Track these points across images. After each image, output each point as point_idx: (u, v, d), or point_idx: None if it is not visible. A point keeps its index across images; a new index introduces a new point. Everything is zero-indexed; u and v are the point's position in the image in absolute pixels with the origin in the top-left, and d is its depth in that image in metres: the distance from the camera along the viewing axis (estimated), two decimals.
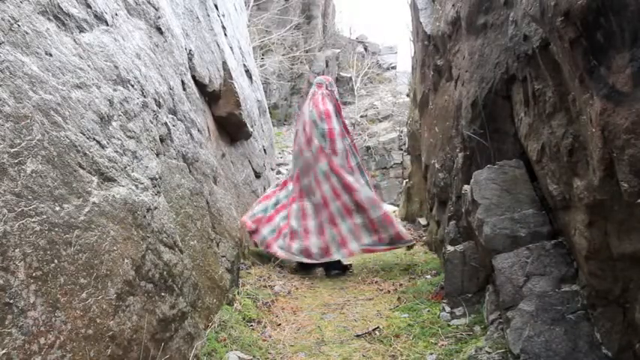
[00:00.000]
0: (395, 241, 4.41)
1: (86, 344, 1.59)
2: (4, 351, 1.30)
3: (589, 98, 1.64)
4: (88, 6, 2.18)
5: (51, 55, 1.79)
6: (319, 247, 4.34)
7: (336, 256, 4.36)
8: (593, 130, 1.63)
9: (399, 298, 3.47)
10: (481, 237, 2.58)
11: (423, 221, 5.86)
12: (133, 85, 2.39)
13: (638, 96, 1.41)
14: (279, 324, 3.10)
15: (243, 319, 2.98)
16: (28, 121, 1.56)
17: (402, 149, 14.69)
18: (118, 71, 2.28)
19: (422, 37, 4.94)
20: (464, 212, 3.06)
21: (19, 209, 1.44)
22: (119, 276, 1.84)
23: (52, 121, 1.68)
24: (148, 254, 2.10)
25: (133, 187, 2.11)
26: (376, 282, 4.04)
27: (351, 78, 20.42)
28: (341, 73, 21.08)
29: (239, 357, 2.44)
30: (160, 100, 2.74)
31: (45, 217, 1.53)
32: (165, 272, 2.21)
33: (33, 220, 1.48)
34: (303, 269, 4.44)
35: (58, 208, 1.60)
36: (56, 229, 1.57)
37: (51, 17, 1.87)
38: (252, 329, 2.92)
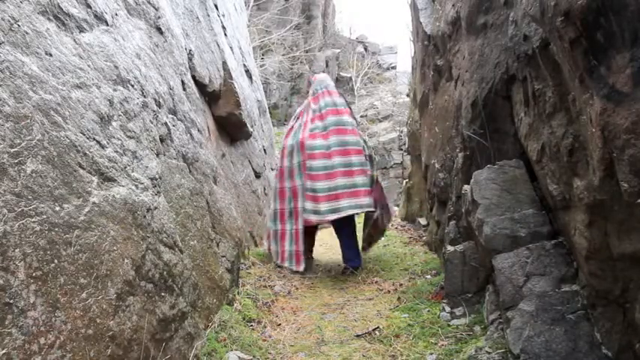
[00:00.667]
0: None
1: (86, 344, 1.59)
2: (4, 351, 1.29)
3: (589, 98, 1.64)
4: (88, 6, 2.18)
5: (51, 55, 1.79)
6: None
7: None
8: (593, 130, 1.63)
9: (399, 298, 3.47)
10: (481, 237, 2.58)
11: (423, 221, 5.86)
12: (133, 85, 2.39)
13: (638, 96, 1.41)
14: (279, 324, 3.10)
15: (243, 319, 2.98)
16: (28, 121, 1.56)
17: (402, 149, 14.70)
18: (118, 71, 2.28)
19: (422, 37, 4.94)
20: (464, 212, 3.06)
21: (19, 209, 1.44)
22: (119, 276, 1.84)
23: (52, 121, 1.68)
24: (148, 254, 2.10)
25: (133, 187, 2.11)
26: (376, 282, 4.04)
27: (351, 78, 20.42)
28: (341, 73, 21.09)
29: (239, 357, 2.44)
30: (160, 100, 2.74)
31: (45, 217, 1.53)
32: (165, 272, 2.21)
33: (33, 220, 1.48)
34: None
35: (58, 208, 1.60)
36: (56, 229, 1.57)
37: (51, 17, 1.87)
38: (252, 329, 2.92)
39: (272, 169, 6.91)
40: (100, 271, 1.74)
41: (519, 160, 2.77)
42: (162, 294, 2.15)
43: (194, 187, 2.97)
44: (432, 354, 2.48)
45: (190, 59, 3.64)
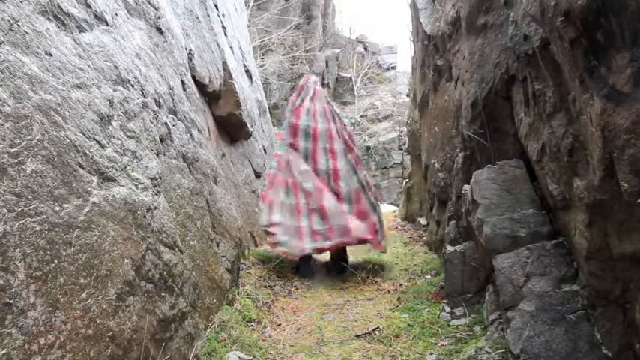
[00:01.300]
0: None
1: (86, 344, 1.59)
2: (4, 351, 1.29)
3: (589, 98, 1.64)
4: (88, 6, 2.17)
5: (51, 55, 1.79)
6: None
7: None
8: (593, 130, 1.63)
9: (399, 298, 3.47)
10: (481, 237, 2.58)
11: (423, 221, 5.86)
12: (133, 85, 2.39)
13: (638, 96, 1.41)
14: (279, 324, 3.10)
15: (243, 319, 2.98)
16: (28, 121, 1.56)
17: (402, 149, 14.70)
18: (118, 71, 2.28)
19: (422, 37, 4.94)
20: (464, 212, 3.06)
21: (19, 209, 1.44)
22: (119, 276, 1.84)
23: (52, 121, 1.68)
24: (148, 254, 2.10)
25: (133, 187, 2.11)
26: (376, 282, 4.04)
27: (351, 78, 20.42)
28: (341, 73, 21.08)
29: (239, 357, 2.44)
30: (160, 100, 2.74)
31: (45, 217, 1.53)
32: (165, 272, 2.21)
33: (33, 220, 1.48)
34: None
35: (58, 208, 1.60)
36: (56, 229, 1.57)
37: (51, 17, 1.87)
38: (252, 329, 2.92)
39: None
40: (100, 271, 1.74)
41: (519, 160, 2.77)
42: (162, 294, 2.15)
43: (194, 187, 2.97)
44: (432, 354, 2.48)
45: (190, 59, 3.64)
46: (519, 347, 2.05)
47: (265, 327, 2.99)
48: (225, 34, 5.01)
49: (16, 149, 1.48)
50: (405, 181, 8.20)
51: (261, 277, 3.89)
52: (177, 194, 2.68)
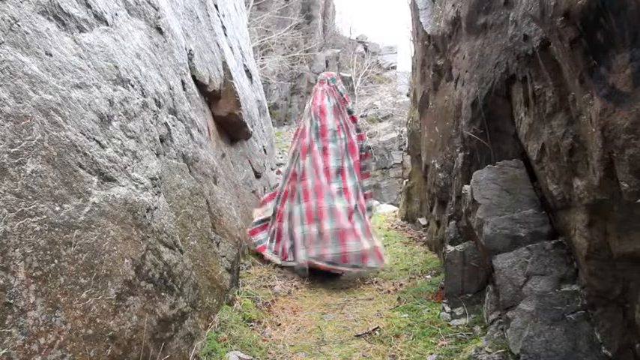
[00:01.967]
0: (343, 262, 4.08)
1: (86, 344, 1.59)
2: (4, 351, 1.29)
3: (589, 98, 1.64)
4: (88, 6, 2.17)
5: (51, 55, 1.79)
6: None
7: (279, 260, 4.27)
8: (593, 130, 1.63)
9: (399, 298, 3.47)
10: (481, 237, 2.58)
11: (423, 221, 5.86)
12: (133, 85, 2.39)
13: (638, 96, 1.41)
14: (279, 324, 3.10)
15: (243, 319, 2.98)
16: (28, 121, 1.56)
17: (402, 149, 14.69)
18: (118, 71, 2.28)
19: (422, 37, 4.94)
20: (464, 212, 3.06)
21: (19, 209, 1.44)
22: (119, 276, 1.84)
23: (52, 121, 1.68)
24: (148, 254, 2.10)
25: (133, 187, 2.11)
26: (376, 282, 4.04)
27: (351, 78, 20.42)
28: (341, 73, 21.07)
29: (239, 357, 2.44)
30: (160, 100, 2.74)
31: (45, 217, 1.53)
32: (165, 272, 2.21)
33: (33, 220, 1.48)
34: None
35: (58, 208, 1.60)
36: (56, 229, 1.57)
37: (51, 17, 1.87)
38: (252, 329, 2.92)
39: (272, 169, 6.91)
40: (100, 271, 1.74)
41: (519, 160, 2.77)
42: (163, 294, 2.15)
43: (194, 187, 2.97)
44: (432, 354, 2.48)
45: (190, 59, 3.64)
46: (519, 347, 2.05)
47: (265, 327, 2.99)
48: (225, 34, 5.01)
49: (16, 149, 1.48)
50: (405, 181, 8.20)
51: (261, 277, 3.89)
52: (178, 194, 2.68)
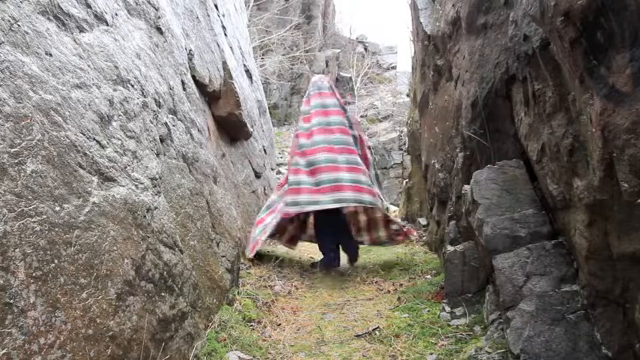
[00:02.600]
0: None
1: (86, 344, 1.59)
2: (4, 351, 1.29)
3: (589, 98, 1.64)
4: (88, 6, 2.18)
5: (51, 55, 1.79)
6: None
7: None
8: (593, 130, 1.63)
9: (399, 298, 3.47)
10: (481, 237, 2.58)
11: (423, 221, 5.86)
12: (133, 85, 2.39)
13: (638, 96, 1.41)
14: (279, 324, 3.10)
15: (243, 319, 2.98)
16: (28, 121, 1.56)
17: (402, 149, 14.69)
18: (118, 71, 2.28)
19: (422, 37, 4.94)
20: (464, 212, 3.06)
21: (19, 209, 1.44)
22: (119, 276, 1.84)
23: (52, 121, 1.68)
24: (148, 254, 2.10)
25: (133, 187, 2.11)
26: (376, 282, 4.04)
27: (351, 78, 20.42)
28: (341, 73, 21.09)
29: (239, 357, 2.44)
30: (160, 100, 2.74)
31: (45, 217, 1.53)
32: (165, 272, 2.21)
33: (33, 220, 1.48)
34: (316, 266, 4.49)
35: (58, 208, 1.60)
36: (56, 229, 1.57)
37: (51, 17, 1.87)
38: (252, 329, 2.92)
39: (272, 169, 6.92)
40: (100, 271, 1.74)
41: (519, 160, 2.77)
42: (163, 294, 2.15)
43: (194, 187, 2.97)
44: (432, 354, 2.48)
45: (190, 59, 3.64)
46: (519, 347, 2.05)
47: (265, 327, 2.98)
48: (225, 34, 5.01)
49: (16, 149, 1.48)
50: (405, 181, 8.20)
51: (261, 277, 3.89)
52: (178, 194, 2.68)
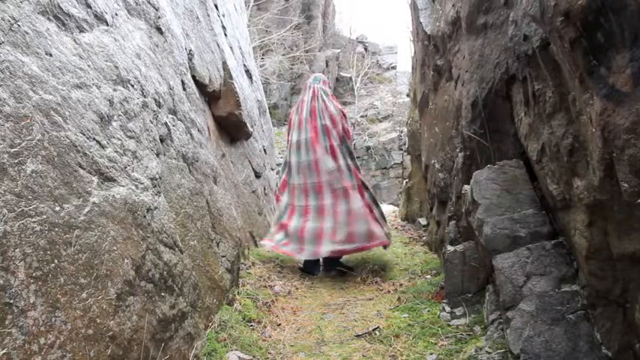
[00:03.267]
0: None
1: (86, 344, 1.59)
2: (4, 351, 1.29)
3: (589, 98, 1.64)
4: (88, 6, 2.18)
5: (51, 55, 1.79)
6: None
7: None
8: (593, 130, 1.63)
9: (399, 298, 3.47)
10: (481, 237, 2.58)
11: (423, 221, 5.86)
12: (133, 85, 2.39)
13: (638, 96, 1.41)
14: (279, 324, 3.10)
15: (243, 319, 2.98)
16: (28, 121, 1.56)
17: (402, 149, 14.70)
18: (118, 71, 2.28)
19: (422, 37, 4.94)
20: (464, 212, 3.06)
21: (19, 209, 1.44)
22: (119, 276, 1.84)
23: (52, 121, 1.68)
24: (148, 254, 2.10)
25: (133, 187, 2.11)
26: (376, 282, 4.04)
27: (351, 78, 20.42)
28: (341, 73, 21.10)
29: (239, 357, 2.44)
30: (160, 100, 2.74)
31: (45, 217, 1.53)
32: (165, 272, 2.21)
33: (33, 220, 1.48)
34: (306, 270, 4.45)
35: (58, 208, 1.60)
36: (56, 229, 1.57)
37: (51, 17, 1.87)
38: (252, 329, 2.92)
39: (272, 169, 6.91)
40: (100, 271, 1.74)
41: (519, 160, 2.77)
42: (162, 294, 2.15)
43: (194, 187, 2.97)
44: (432, 354, 2.48)
45: (190, 59, 3.64)
46: (519, 347, 2.05)
47: (265, 327, 2.99)
48: (226, 34, 5.01)
49: (16, 149, 1.48)
50: (405, 181, 8.20)
51: (261, 277, 3.89)
52: (178, 194, 2.68)
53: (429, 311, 3.09)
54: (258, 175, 5.75)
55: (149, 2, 2.96)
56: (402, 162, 14.60)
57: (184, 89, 3.36)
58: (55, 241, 1.56)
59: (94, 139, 1.92)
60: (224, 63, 4.55)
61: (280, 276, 4.14)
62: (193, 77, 3.69)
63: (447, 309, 2.99)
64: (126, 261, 1.91)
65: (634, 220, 1.57)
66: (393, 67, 23.46)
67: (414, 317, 3.05)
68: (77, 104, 1.86)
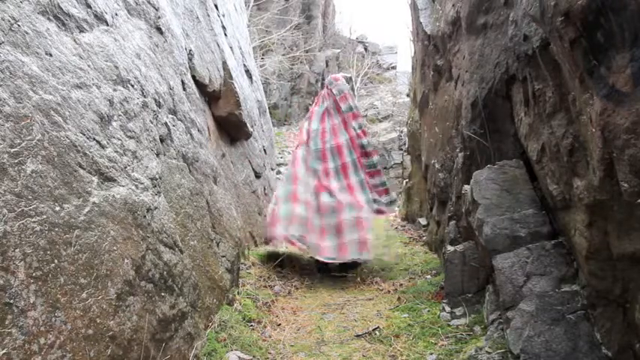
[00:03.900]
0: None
1: (86, 344, 1.59)
2: (4, 351, 1.29)
3: (589, 98, 1.64)
4: (88, 6, 2.17)
5: (51, 55, 1.79)
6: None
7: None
8: (593, 130, 1.63)
9: (399, 298, 3.47)
10: (481, 237, 2.58)
11: (423, 221, 5.86)
12: (133, 85, 2.39)
13: (638, 96, 1.41)
14: (279, 324, 3.10)
15: (243, 319, 2.98)
16: (28, 121, 1.56)
17: (402, 149, 14.68)
18: (118, 71, 2.28)
19: (422, 37, 4.94)
20: (464, 212, 3.06)
21: (19, 209, 1.44)
22: (119, 276, 1.84)
23: (52, 121, 1.68)
24: (148, 254, 2.10)
25: (133, 187, 2.11)
26: (376, 282, 4.04)
27: (351, 78, 20.40)
28: (341, 73, 21.07)
29: (239, 357, 2.44)
30: (160, 100, 2.74)
31: (45, 217, 1.53)
32: (165, 272, 2.21)
33: (33, 220, 1.48)
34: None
35: (58, 208, 1.60)
36: (56, 229, 1.57)
37: (51, 17, 1.87)
38: (252, 329, 2.92)
39: (272, 169, 6.91)
40: (100, 271, 1.74)
41: (519, 160, 2.77)
42: (163, 294, 2.15)
43: (194, 187, 2.97)
44: (432, 354, 2.48)
45: (190, 59, 3.64)
46: (519, 347, 2.05)
47: (265, 327, 2.98)
48: (225, 34, 5.01)
49: (16, 149, 1.48)
50: (405, 181, 8.20)
51: (261, 277, 3.89)
52: (178, 194, 2.68)
53: (429, 311, 3.09)
54: (258, 175, 5.75)
55: (149, 2, 2.96)
56: (402, 162, 14.58)
57: (184, 89, 3.36)
58: (55, 241, 1.56)
59: (94, 139, 1.92)
60: (224, 63, 4.55)
61: (280, 276, 4.14)
62: (193, 77, 3.69)
63: (447, 309, 2.99)
64: (126, 261, 1.91)
65: (634, 220, 1.57)
66: (393, 67, 23.45)
67: (414, 317, 3.05)
68: (77, 104, 1.86)
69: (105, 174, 1.93)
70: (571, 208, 2.10)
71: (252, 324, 2.99)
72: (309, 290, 3.95)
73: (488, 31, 3.02)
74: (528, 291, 2.22)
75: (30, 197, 1.49)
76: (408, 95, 11.61)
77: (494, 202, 2.63)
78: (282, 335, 2.89)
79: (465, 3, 3.32)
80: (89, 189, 1.80)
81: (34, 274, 1.44)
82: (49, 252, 1.52)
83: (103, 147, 1.96)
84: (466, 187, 2.97)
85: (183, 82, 3.35)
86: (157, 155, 2.49)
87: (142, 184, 2.20)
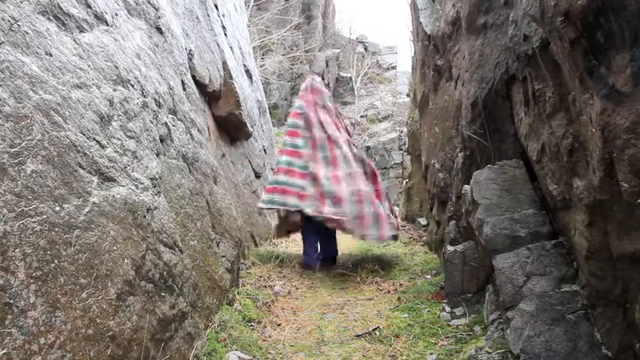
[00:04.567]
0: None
1: (86, 344, 1.59)
2: (4, 351, 1.29)
3: (589, 98, 1.64)
4: (88, 6, 2.18)
5: (51, 55, 1.79)
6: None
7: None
8: (593, 130, 1.63)
9: (399, 298, 3.47)
10: (481, 237, 2.58)
11: (423, 221, 5.87)
12: (133, 85, 2.39)
13: (638, 96, 1.41)
14: (279, 324, 3.10)
15: (243, 319, 2.98)
16: (28, 121, 1.56)
17: (402, 149, 14.70)
18: (118, 71, 2.28)
19: (422, 37, 4.94)
20: (464, 212, 3.06)
21: (19, 209, 1.44)
22: (119, 276, 1.84)
23: (52, 121, 1.68)
24: (148, 254, 2.10)
25: (133, 187, 2.11)
26: (376, 282, 4.04)
27: (351, 78, 20.42)
28: (341, 73, 21.09)
29: (239, 357, 2.44)
30: (160, 100, 2.74)
31: (45, 217, 1.53)
32: (165, 272, 2.21)
33: (33, 220, 1.48)
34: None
35: (58, 208, 1.60)
36: (56, 229, 1.57)
37: (51, 17, 1.87)
38: (252, 329, 2.92)
39: (272, 169, 6.91)
40: (100, 271, 1.74)
41: (519, 160, 2.77)
42: (163, 294, 2.15)
43: (194, 187, 2.97)
44: (432, 354, 2.48)
45: (190, 59, 3.64)
46: (519, 347, 2.05)
47: (265, 327, 2.98)
48: (225, 34, 5.01)
49: (16, 149, 1.48)
50: (405, 181, 8.21)
51: (261, 277, 3.89)
52: (178, 194, 2.68)
53: (429, 311, 3.09)
54: (258, 175, 5.75)
55: (149, 2, 2.96)
56: (402, 162, 14.60)
57: (184, 89, 3.36)
58: (55, 241, 1.56)
59: (94, 139, 1.92)
60: (224, 63, 4.55)
61: (280, 276, 4.13)
62: (193, 77, 3.69)
63: (447, 309, 2.99)
64: (126, 261, 1.91)
65: (634, 220, 1.57)
66: (393, 67, 23.46)
67: (414, 317, 3.05)
68: (77, 104, 1.86)
69: (105, 174, 1.93)
70: (571, 208, 2.10)
71: (252, 324, 2.99)
72: (309, 290, 3.95)
73: (488, 31, 3.02)
74: (528, 291, 2.22)
75: (30, 197, 1.49)
76: (408, 95, 11.62)
77: (494, 202, 2.63)
78: (282, 335, 2.89)
79: (465, 3, 3.32)
80: (89, 189, 1.80)
81: (34, 274, 1.44)
82: (49, 252, 1.52)
83: (103, 147, 1.96)
84: (466, 187, 2.97)
85: (183, 82, 3.35)
86: (157, 155, 2.49)
87: (142, 184, 2.20)
